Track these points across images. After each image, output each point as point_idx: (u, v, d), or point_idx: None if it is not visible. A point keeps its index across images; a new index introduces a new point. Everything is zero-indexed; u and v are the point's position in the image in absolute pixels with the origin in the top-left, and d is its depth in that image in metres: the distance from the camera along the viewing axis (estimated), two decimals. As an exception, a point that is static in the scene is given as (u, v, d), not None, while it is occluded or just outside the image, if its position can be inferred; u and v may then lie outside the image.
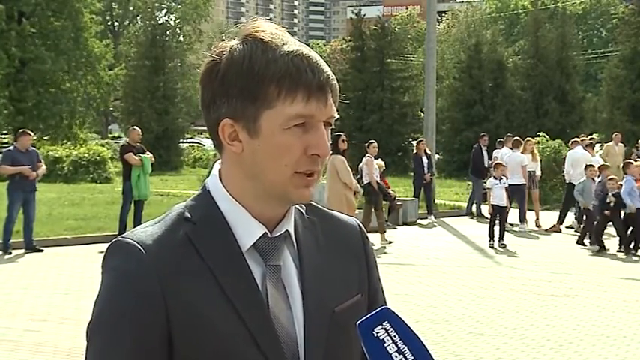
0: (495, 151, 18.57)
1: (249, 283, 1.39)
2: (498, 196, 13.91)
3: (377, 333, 1.31)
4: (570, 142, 17.27)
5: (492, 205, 14.00)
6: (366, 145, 14.97)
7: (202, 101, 1.44)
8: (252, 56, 1.37)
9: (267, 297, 1.39)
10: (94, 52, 34.71)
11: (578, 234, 14.58)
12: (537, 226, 16.37)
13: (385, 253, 12.98)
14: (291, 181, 1.39)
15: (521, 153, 16.35)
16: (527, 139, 17.47)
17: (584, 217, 14.49)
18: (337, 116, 1.43)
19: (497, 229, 13.92)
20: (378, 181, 14.52)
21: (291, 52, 1.37)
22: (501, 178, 13.92)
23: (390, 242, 13.92)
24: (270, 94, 1.36)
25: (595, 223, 13.76)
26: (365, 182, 14.09)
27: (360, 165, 14.70)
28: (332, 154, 11.33)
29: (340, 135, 12.28)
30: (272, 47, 1.38)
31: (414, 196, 18.05)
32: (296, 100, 1.36)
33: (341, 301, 1.47)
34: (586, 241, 14.01)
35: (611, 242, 13.72)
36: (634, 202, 13.23)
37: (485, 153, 18.59)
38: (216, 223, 1.42)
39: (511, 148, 16.57)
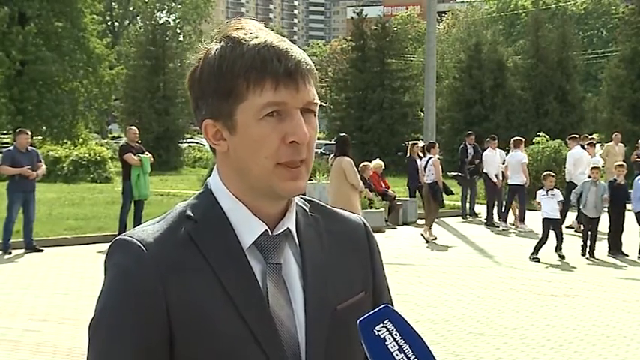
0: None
1: (250, 281, 1.39)
2: (548, 208, 12.64)
3: (378, 331, 1.30)
4: (568, 139, 17.19)
5: (544, 219, 12.72)
6: (427, 146, 16.11)
7: (192, 105, 1.47)
8: (222, 55, 1.40)
9: (267, 295, 1.39)
10: (96, 52, 34.73)
11: (581, 237, 14.25)
12: (516, 225, 16.47)
13: (385, 253, 12.96)
14: (275, 174, 1.39)
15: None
16: (516, 138, 17.41)
17: (582, 226, 13.45)
18: (318, 101, 1.42)
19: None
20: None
21: (258, 44, 1.38)
22: (551, 189, 12.72)
23: (435, 238, 14.60)
24: (239, 87, 1.37)
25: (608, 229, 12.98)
26: (430, 181, 15.10)
27: (423, 164, 15.68)
28: (339, 155, 11.51)
29: (345, 136, 12.33)
30: (241, 43, 1.39)
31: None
32: (264, 90, 1.36)
33: (343, 299, 1.47)
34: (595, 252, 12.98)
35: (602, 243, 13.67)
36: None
37: (470, 151, 18.55)
38: (217, 222, 1.42)
39: (505, 149, 16.69)
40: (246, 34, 1.40)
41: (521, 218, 16.30)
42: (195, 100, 1.44)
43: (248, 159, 1.39)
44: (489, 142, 17.28)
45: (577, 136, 17.26)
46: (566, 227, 16.06)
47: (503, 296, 9.78)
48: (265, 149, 1.37)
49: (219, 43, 1.42)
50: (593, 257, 12.74)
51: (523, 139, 17.01)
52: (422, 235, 14.84)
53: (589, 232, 13.00)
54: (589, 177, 13.52)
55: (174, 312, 1.34)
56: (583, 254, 12.85)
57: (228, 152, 1.42)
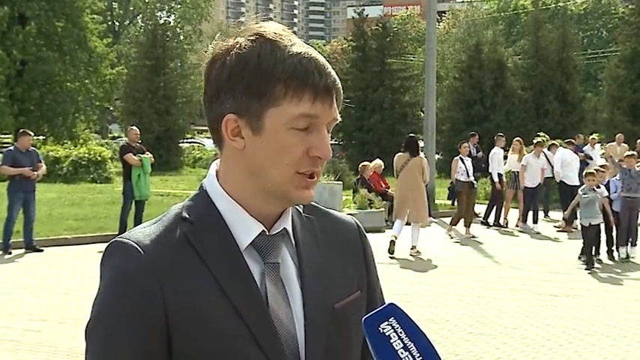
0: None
1: (248, 281, 1.39)
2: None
3: (383, 329, 1.30)
4: (547, 149, 17.22)
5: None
6: (458, 145, 16.50)
7: (206, 95, 1.44)
8: (260, 54, 1.38)
9: (266, 295, 1.39)
10: (97, 51, 34.71)
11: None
12: (516, 225, 16.62)
13: (385, 252, 12.95)
14: (292, 181, 1.39)
15: (512, 153, 16.64)
16: (536, 141, 17.38)
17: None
18: (339, 119, 1.43)
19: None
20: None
21: (299, 53, 1.38)
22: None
23: (474, 237, 15.04)
24: (276, 92, 1.37)
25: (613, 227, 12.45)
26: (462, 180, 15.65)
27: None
28: (414, 154, 12.32)
29: (415, 136, 13.40)
30: (280, 47, 1.38)
31: None
32: (302, 101, 1.36)
33: (341, 297, 1.47)
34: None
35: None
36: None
37: (473, 152, 18.56)
38: (213, 222, 1.42)
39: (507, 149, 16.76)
40: (282, 38, 1.39)
41: (524, 219, 16.31)
42: (218, 91, 1.40)
43: (268, 162, 1.39)
44: (497, 139, 17.38)
45: (556, 143, 17.43)
46: (554, 226, 16.13)
47: (503, 296, 9.78)
48: (289, 157, 1.38)
49: (252, 41, 1.39)
50: (601, 262, 12.10)
51: (542, 144, 17.14)
52: (467, 233, 15.26)
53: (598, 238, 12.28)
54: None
55: (172, 313, 1.34)
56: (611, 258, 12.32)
57: (244, 150, 1.40)
